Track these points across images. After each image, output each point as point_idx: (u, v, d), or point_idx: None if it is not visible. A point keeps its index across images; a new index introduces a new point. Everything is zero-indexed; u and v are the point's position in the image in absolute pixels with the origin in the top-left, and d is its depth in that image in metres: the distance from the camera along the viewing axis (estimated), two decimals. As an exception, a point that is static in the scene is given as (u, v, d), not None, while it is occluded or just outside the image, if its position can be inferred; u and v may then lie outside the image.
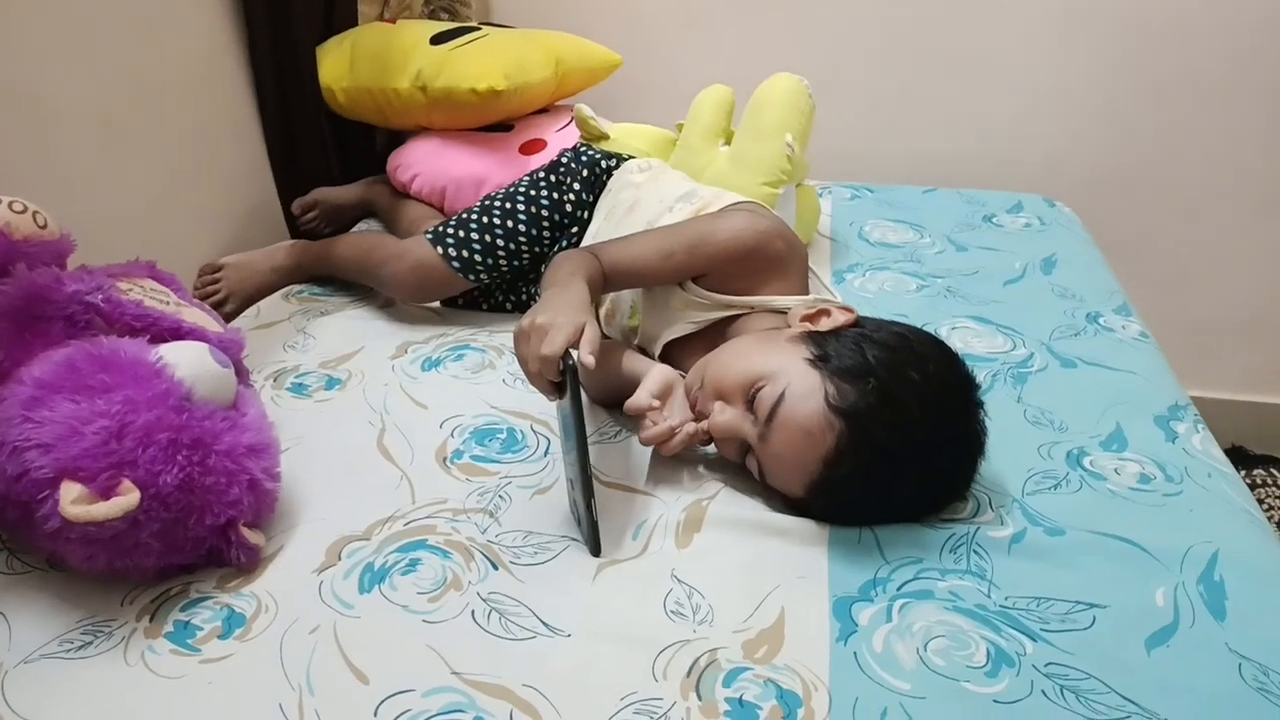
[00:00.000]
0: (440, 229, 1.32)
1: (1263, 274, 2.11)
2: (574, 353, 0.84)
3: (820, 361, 0.89)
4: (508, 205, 1.32)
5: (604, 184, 1.33)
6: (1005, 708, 0.71)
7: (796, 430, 0.87)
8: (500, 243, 1.30)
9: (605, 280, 1.04)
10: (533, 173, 1.37)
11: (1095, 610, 0.80)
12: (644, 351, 1.14)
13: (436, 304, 1.39)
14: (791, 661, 0.76)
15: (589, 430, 1.00)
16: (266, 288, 1.47)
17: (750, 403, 0.91)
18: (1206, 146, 2.00)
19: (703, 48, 2.13)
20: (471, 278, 1.31)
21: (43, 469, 0.75)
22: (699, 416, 0.97)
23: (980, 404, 0.91)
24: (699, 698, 0.72)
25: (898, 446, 0.85)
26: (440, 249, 1.30)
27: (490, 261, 1.31)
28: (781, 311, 1.04)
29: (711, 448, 1.01)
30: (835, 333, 0.94)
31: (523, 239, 1.31)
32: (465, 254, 1.30)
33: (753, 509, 0.93)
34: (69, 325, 0.88)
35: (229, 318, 1.40)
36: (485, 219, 1.31)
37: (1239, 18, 1.88)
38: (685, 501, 0.94)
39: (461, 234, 1.31)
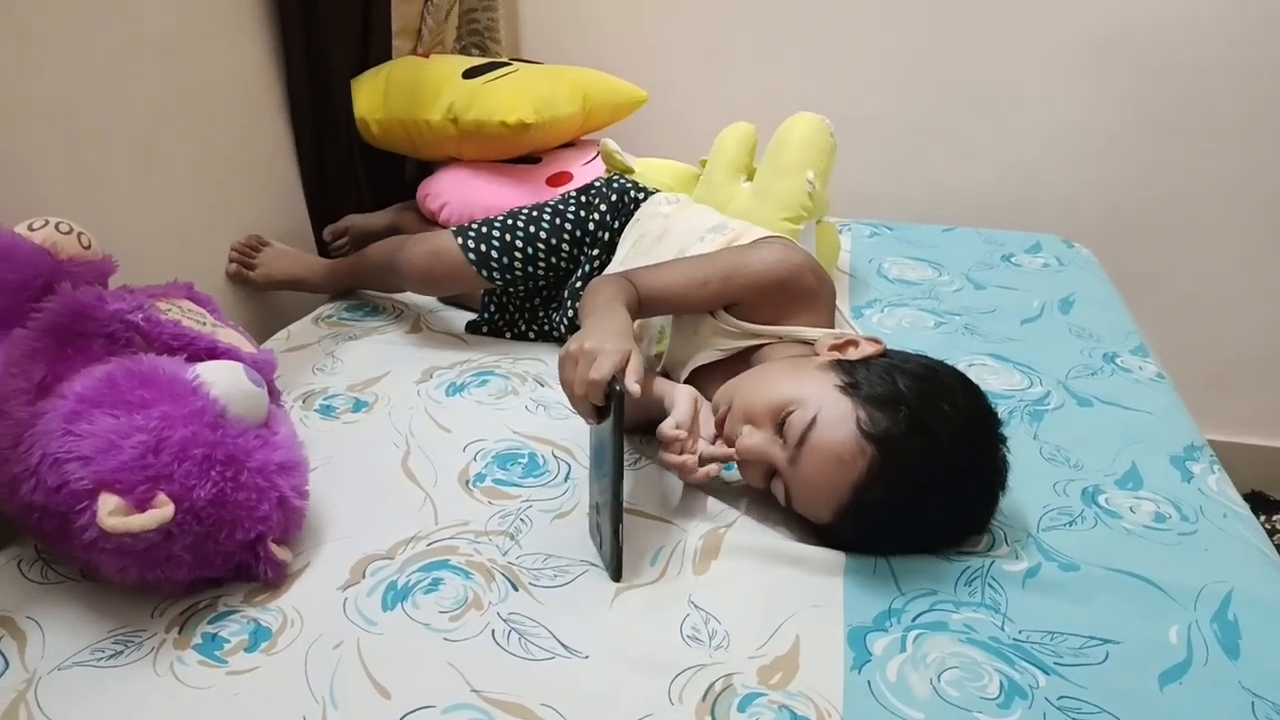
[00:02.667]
0: (465, 225, 1.36)
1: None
2: (619, 381, 0.86)
3: (851, 389, 0.91)
4: (534, 213, 1.35)
5: (631, 212, 1.36)
6: (1017, 739, 0.72)
7: (828, 455, 0.88)
8: (519, 244, 1.33)
9: (640, 306, 1.06)
10: (565, 193, 1.40)
11: (1109, 645, 0.81)
12: (668, 377, 1.16)
13: (461, 330, 1.42)
14: (806, 688, 0.76)
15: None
16: (293, 281, 1.54)
17: (780, 427, 0.93)
18: (1224, 186, 2.01)
19: (726, 86, 2.17)
20: (485, 274, 1.33)
21: (82, 480, 0.77)
22: (726, 440, 0.99)
23: (1004, 438, 0.92)
24: (714, 721, 0.73)
25: (928, 474, 0.86)
26: (460, 239, 1.33)
27: (505, 261, 1.33)
28: (808, 342, 1.06)
29: (729, 472, 1.03)
30: (864, 362, 0.96)
31: (541, 246, 1.33)
32: (483, 248, 1.32)
33: (770, 537, 0.94)
34: (110, 343, 0.91)
35: (241, 281, 1.51)
36: (510, 221, 1.35)
37: (1256, 58, 1.90)
38: (703, 528, 0.95)
39: (484, 230, 1.34)
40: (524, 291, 1.39)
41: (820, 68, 2.12)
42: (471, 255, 1.32)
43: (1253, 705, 0.75)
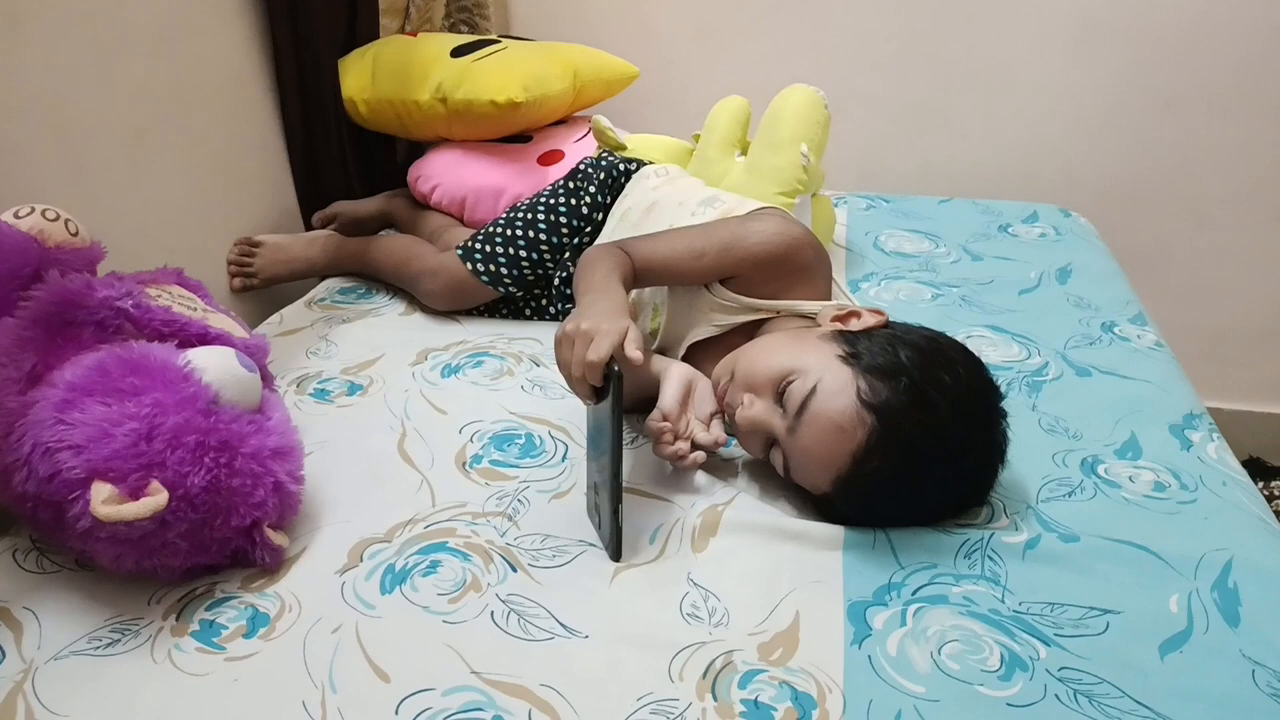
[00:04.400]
0: (469, 245, 1.37)
1: (1278, 283, 2.11)
2: (617, 361, 0.85)
3: (852, 358, 0.90)
4: (529, 216, 1.36)
5: (622, 187, 1.36)
6: (1019, 711, 0.72)
7: (828, 424, 0.88)
8: (524, 254, 1.35)
9: (635, 276, 1.05)
10: (554, 183, 1.41)
11: (1109, 616, 0.81)
12: (665, 354, 1.15)
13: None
14: (806, 664, 0.76)
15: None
16: (295, 274, 1.54)
17: (780, 396, 0.92)
18: (1221, 155, 2.01)
19: (719, 60, 2.15)
20: (501, 289, 1.36)
21: (74, 469, 0.76)
22: (727, 409, 0.98)
23: (1004, 413, 0.92)
24: (715, 699, 0.73)
25: (927, 445, 0.86)
26: (470, 265, 1.35)
27: (516, 273, 1.35)
28: (808, 315, 1.05)
29: (730, 449, 1.02)
30: (866, 333, 0.95)
31: (544, 248, 1.35)
32: (492, 268, 1.35)
33: (768, 514, 0.94)
34: (100, 330, 0.90)
35: (250, 289, 1.50)
36: (509, 232, 1.36)
37: (1252, 28, 1.89)
38: (701, 506, 0.95)
39: (488, 249, 1.35)
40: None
41: (814, 40, 2.10)
42: (485, 278, 1.35)
43: (1253, 673, 0.75)
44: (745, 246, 1.06)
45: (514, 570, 0.87)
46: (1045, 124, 2.06)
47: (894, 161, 2.16)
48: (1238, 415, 2.20)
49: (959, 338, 0.99)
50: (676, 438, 0.96)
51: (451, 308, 1.39)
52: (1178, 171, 2.04)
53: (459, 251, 1.37)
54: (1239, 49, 1.91)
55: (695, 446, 0.96)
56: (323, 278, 1.56)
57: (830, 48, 2.09)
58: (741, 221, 1.11)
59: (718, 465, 1.03)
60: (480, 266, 1.35)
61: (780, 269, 1.06)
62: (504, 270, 1.35)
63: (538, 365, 1.24)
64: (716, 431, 0.98)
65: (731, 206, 1.19)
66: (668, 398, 0.98)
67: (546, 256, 1.36)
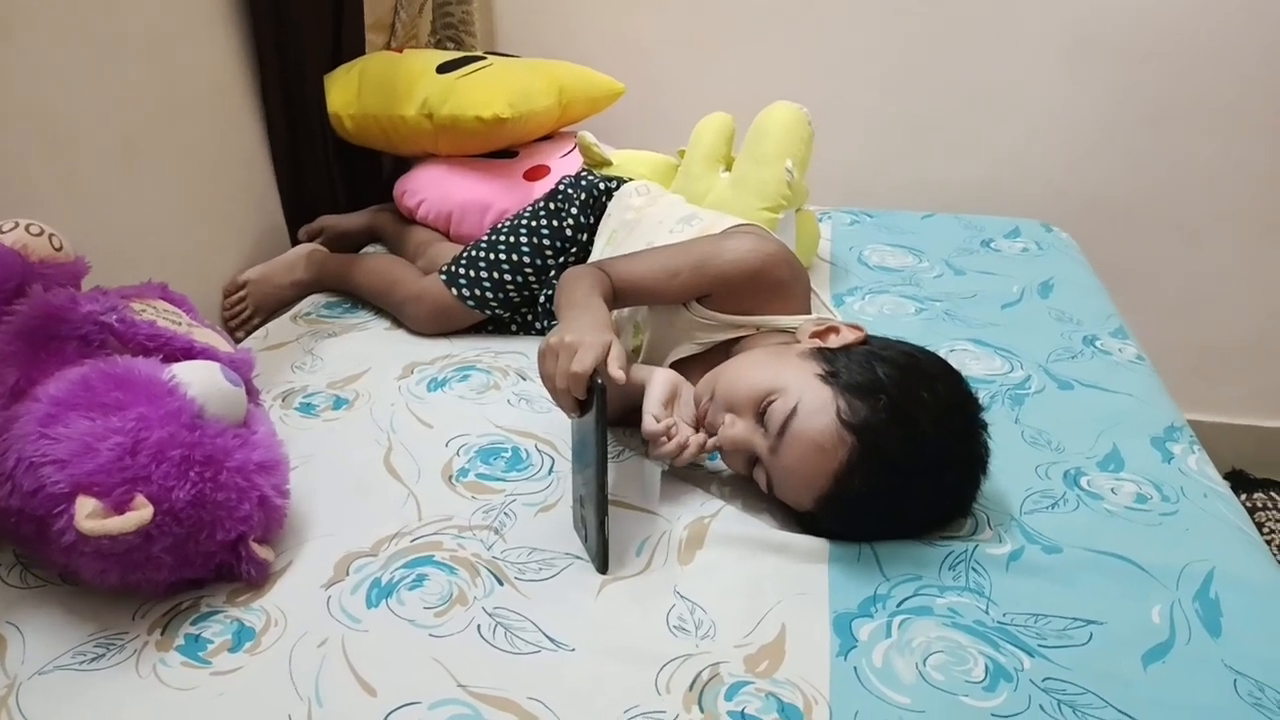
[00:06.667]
0: (453, 270, 1.37)
1: (1263, 299, 2.13)
2: (600, 374, 0.86)
3: (831, 377, 0.91)
4: (511, 239, 1.36)
5: (603, 206, 1.36)
6: (1003, 721, 0.73)
7: (808, 444, 0.88)
8: (508, 276, 1.35)
9: (615, 296, 1.06)
10: (534, 203, 1.41)
11: (1092, 627, 0.82)
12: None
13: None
14: (793, 676, 0.77)
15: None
16: (288, 301, 1.54)
17: (761, 416, 0.93)
18: (1208, 173, 2.02)
19: (704, 76, 2.16)
20: (487, 312, 1.36)
21: (58, 484, 0.76)
22: (708, 428, 0.98)
23: (984, 425, 0.93)
24: (701, 710, 0.73)
25: (907, 462, 0.87)
26: (455, 290, 1.35)
27: (501, 296, 1.35)
28: (788, 331, 1.06)
29: (713, 461, 1.02)
30: (845, 350, 0.96)
31: (529, 270, 1.35)
32: (478, 292, 1.35)
33: (754, 526, 0.94)
34: (84, 345, 0.90)
35: (254, 329, 1.47)
36: (492, 255, 1.36)
37: (1241, 46, 1.91)
38: (687, 519, 0.95)
39: (472, 273, 1.35)
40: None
41: (800, 57, 2.11)
42: (471, 303, 1.35)
43: (1235, 683, 0.76)
44: (718, 265, 1.06)
45: (500, 583, 0.87)
46: (1033, 141, 2.08)
47: (880, 178, 2.17)
48: (1221, 428, 2.21)
49: (942, 351, 1.00)
50: (671, 438, 0.96)
51: (437, 332, 1.38)
52: (1164, 189, 2.06)
53: (443, 276, 1.37)
54: (1227, 68, 1.93)
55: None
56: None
57: (816, 65, 2.11)
58: (715, 240, 1.11)
59: (703, 478, 1.03)
60: (465, 291, 1.35)
61: (755, 286, 1.07)
62: (489, 294, 1.35)
63: (524, 379, 1.24)
64: (704, 434, 0.98)
65: (709, 224, 1.20)
66: (653, 400, 0.98)
67: (531, 278, 1.36)
